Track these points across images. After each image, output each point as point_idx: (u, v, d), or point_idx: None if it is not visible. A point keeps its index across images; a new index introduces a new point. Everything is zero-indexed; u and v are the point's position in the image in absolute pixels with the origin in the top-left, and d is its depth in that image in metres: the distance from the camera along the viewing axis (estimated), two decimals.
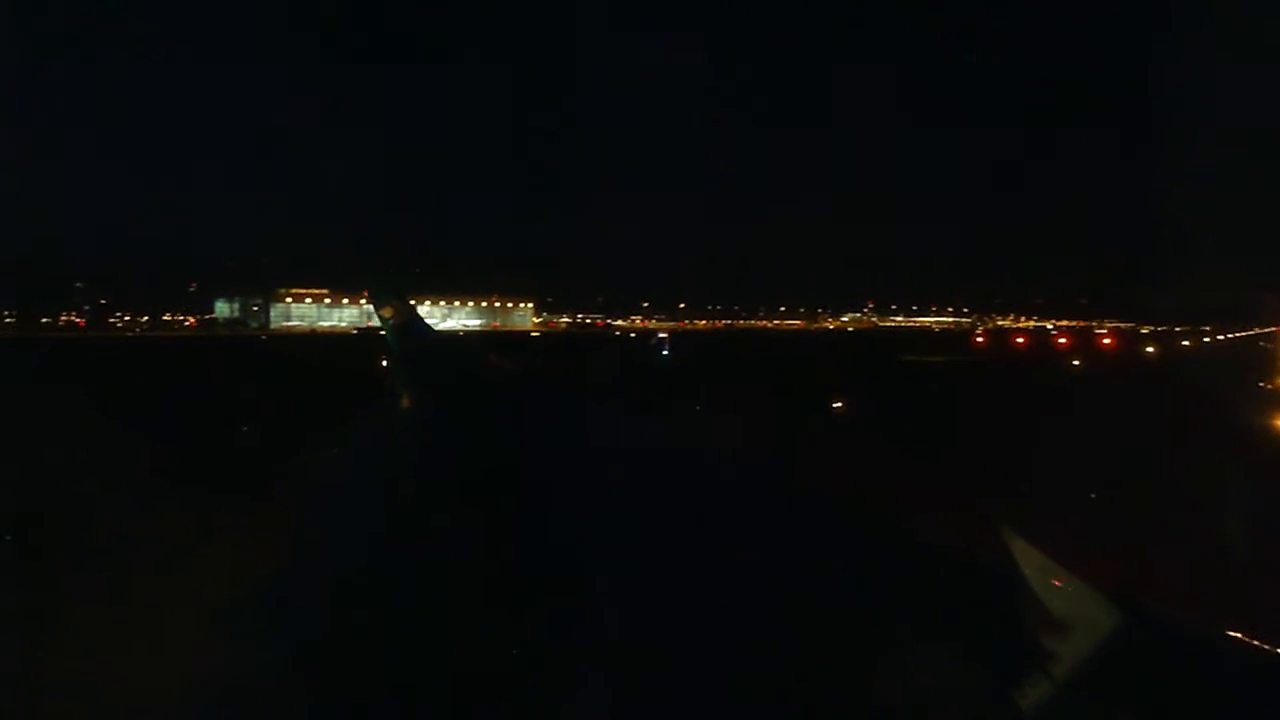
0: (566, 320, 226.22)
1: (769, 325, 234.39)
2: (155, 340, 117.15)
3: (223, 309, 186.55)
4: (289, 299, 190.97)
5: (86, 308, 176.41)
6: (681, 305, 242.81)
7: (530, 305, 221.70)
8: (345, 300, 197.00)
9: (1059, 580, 1.51)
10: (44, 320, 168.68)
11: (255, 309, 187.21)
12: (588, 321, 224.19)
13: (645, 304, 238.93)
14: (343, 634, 1.93)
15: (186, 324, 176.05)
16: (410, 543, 2.43)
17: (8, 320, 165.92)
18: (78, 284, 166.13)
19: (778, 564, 1.99)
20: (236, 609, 2.41)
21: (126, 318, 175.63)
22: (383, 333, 6.57)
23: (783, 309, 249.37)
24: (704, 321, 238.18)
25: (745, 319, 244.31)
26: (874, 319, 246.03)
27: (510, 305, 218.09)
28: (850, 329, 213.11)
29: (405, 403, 5.08)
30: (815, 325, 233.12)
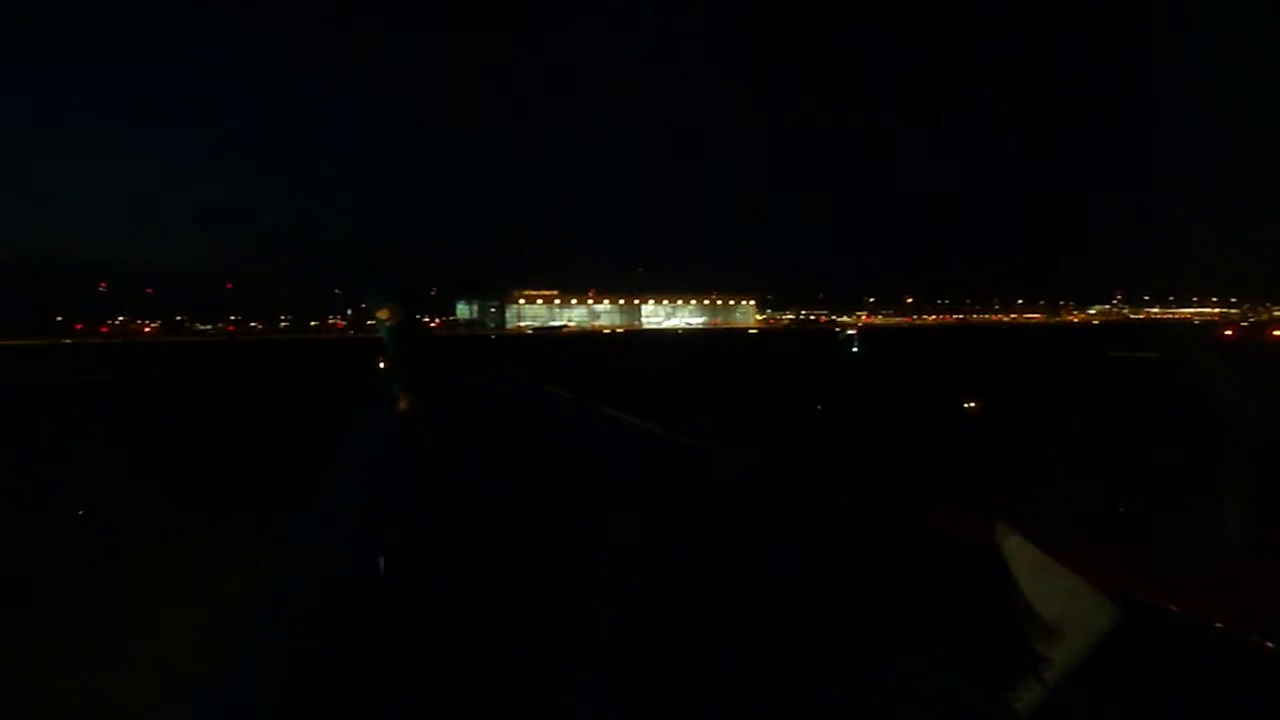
0: (789, 317, 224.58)
1: (1004, 319, 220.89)
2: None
3: (463, 310, 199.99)
4: (522, 300, 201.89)
5: (349, 311, 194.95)
6: (909, 299, 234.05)
7: (752, 303, 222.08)
8: (574, 300, 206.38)
9: (1056, 577, 1.50)
10: (313, 323, 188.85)
11: (492, 310, 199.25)
12: (811, 318, 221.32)
13: (870, 299, 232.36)
14: (338, 636, 1.94)
15: (432, 325, 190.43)
16: (405, 546, 2.53)
17: (283, 323, 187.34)
18: (336, 290, 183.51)
19: (765, 562, 2.02)
20: (233, 614, 2.55)
21: None
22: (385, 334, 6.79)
23: (1020, 301, 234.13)
24: (933, 316, 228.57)
25: (979, 313, 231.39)
26: (1125, 311, 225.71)
27: (732, 303, 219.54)
28: (1096, 322, 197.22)
29: (402, 405, 5.17)
30: (1056, 319, 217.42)
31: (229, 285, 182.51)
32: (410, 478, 3.74)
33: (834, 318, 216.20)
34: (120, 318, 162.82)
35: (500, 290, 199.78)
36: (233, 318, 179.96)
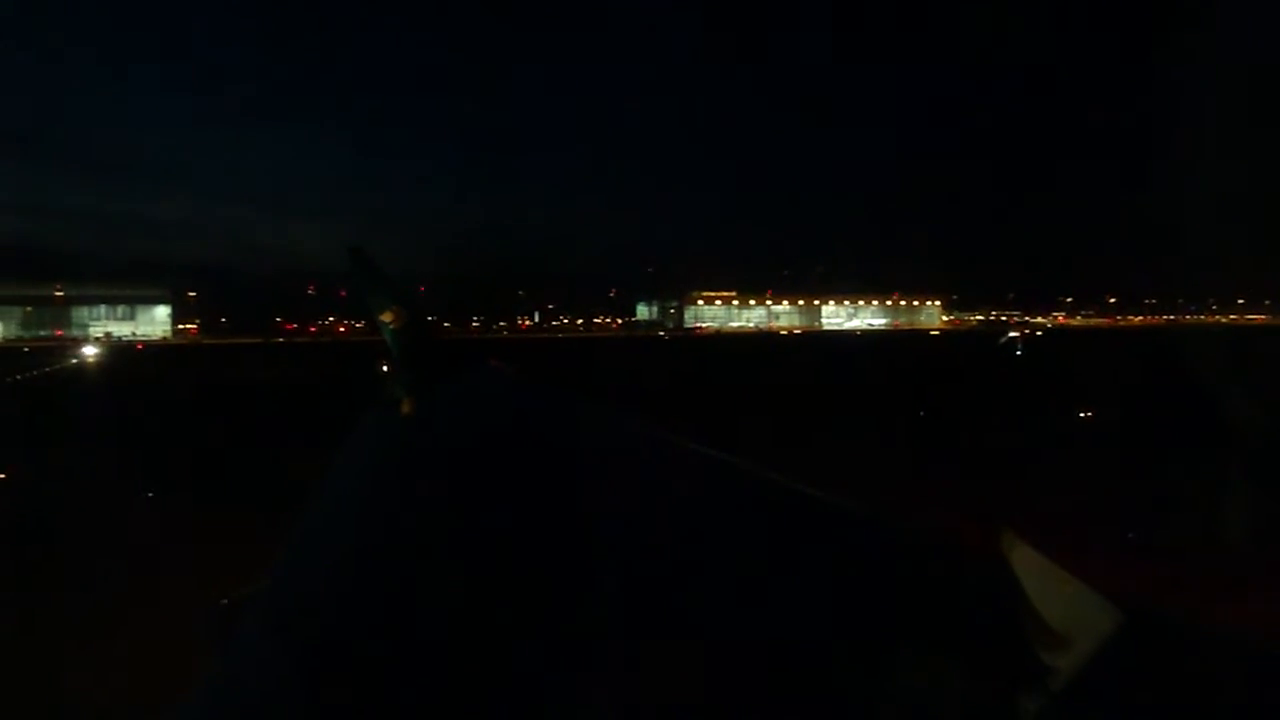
0: (978, 318, 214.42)
1: (1221, 321, 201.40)
2: (549, 339, 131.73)
3: (643, 311, 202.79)
4: (700, 301, 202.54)
5: (535, 311, 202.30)
6: (1111, 299, 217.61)
7: (938, 303, 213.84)
8: (752, 302, 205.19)
9: (1062, 583, 1.48)
10: (501, 323, 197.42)
11: (672, 311, 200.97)
12: (1001, 319, 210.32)
13: (1067, 299, 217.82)
14: (338, 640, 1.92)
15: (612, 325, 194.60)
16: (408, 551, 2.60)
17: (474, 324, 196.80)
18: (520, 292, 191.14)
19: (772, 566, 2.00)
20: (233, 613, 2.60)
21: (564, 320, 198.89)
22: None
23: (1240, 301, 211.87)
24: (1139, 318, 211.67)
25: (1192, 313, 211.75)
26: None
27: (916, 303, 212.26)
28: None
29: (405, 409, 5.99)
30: None
31: (421, 289, 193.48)
32: (412, 480, 4.00)
33: (1025, 318, 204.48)
34: (330, 318, 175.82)
35: (680, 291, 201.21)
36: (429, 318, 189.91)
